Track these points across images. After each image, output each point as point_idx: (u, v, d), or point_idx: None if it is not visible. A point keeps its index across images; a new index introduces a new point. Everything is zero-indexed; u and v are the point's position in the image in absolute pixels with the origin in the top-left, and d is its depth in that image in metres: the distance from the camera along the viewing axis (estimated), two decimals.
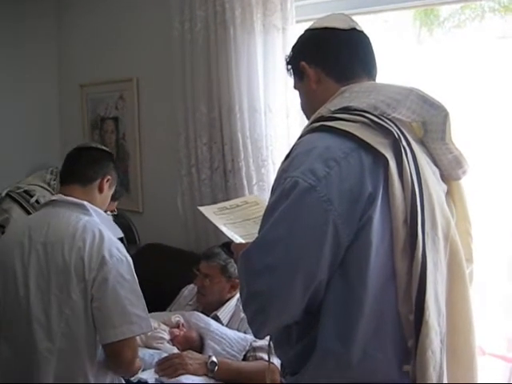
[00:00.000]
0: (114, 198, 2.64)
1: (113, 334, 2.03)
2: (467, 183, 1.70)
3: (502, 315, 2.84)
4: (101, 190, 2.30)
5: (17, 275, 2.10)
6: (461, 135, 1.64)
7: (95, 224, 2.15)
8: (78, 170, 2.28)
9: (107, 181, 2.32)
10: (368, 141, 1.41)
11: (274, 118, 3.16)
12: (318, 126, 1.48)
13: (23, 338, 2.08)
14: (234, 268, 2.83)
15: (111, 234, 2.17)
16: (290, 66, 1.73)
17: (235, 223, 1.83)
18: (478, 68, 2.81)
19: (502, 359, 2.77)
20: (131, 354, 2.11)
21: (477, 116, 2.76)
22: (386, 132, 1.44)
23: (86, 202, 2.20)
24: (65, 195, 2.22)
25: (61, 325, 2.04)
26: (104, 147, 2.45)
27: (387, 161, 1.39)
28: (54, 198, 2.25)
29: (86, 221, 2.14)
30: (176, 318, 2.86)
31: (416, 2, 2.88)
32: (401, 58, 3.05)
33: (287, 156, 1.51)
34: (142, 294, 2.12)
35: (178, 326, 2.82)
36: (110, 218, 2.53)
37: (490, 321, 2.70)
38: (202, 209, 1.94)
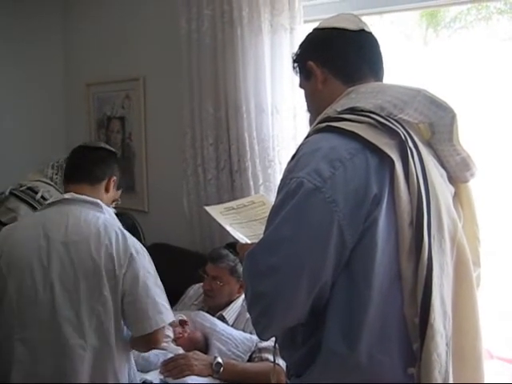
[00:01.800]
0: (117, 187, 2.68)
1: (148, 325, 2.12)
2: (475, 186, 1.68)
3: (510, 318, 2.83)
4: (107, 189, 2.34)
5: (36, 277, 2.11)
6: (468, 137, 1.63)
7: (112, 222, 2.22)
8: (87, 169, 2.31)
9: (113, 181, 2.36)
10: (374, 142, 1.40)
11: (281, 118, 3.16)
12: (324, 126, 1.48)
13: (49, 339, 2.10)
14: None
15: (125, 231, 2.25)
16: (296, 65, 1.73)
17: (241, 223, 1.82)
18: (485, 69, 2.80)
19: (509, 362, 2.76)
20: (162, 339, 2.25)
21: (484, 118, 2.75)
22: (392, 133, 1.43)
23: (99, 200, 2.24)
24: (77, 194, 2.24)
25: (92, 321, 2.09)
26: (110, 148, 2.47)
27: (393, 162, 1.38)
28: (66, 196, 2.25)
29: (103, 219, 2.19)
30: (179, 317, 2.86)
31: (423, 3, 2.87)
32: (407, 58, 3.05)
33: (293, 156, 1.50)
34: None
35: (181, 324, 2.82)
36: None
37: (497, 324, 2.69)
38: (208, 208, 1.94)
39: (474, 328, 1.52)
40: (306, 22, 3.06)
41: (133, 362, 2.32)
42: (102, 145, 2.47)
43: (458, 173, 1.61)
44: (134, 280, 2.12)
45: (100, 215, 2.20)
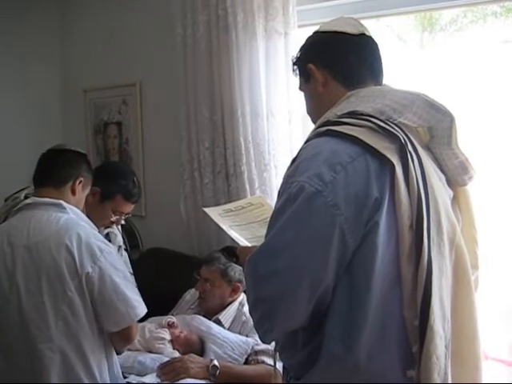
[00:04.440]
0: (132, 201, 2.76)
1: (122, 321, 2.14)
2: (474, 189, 1.69)
3: (506, 320, 2.83)
4: (73, 191, 2.31)
5: (3, 284, 2.11)
6: (466, 140, 1.64)
7: (76, 221, 2.20)
8: (51, 173, 2.29)
9: (79, 182, 2.33)
10: (374, 146, 1.41)
11: (276, 122, 3.16)
12: (325, 130, 1.48)
13: (20, 345, 2.10)
14: (234, 272, 2.85)
15: (92, 229, 2.24)
16: (296, 67, 1.73)
17: (241, 225, 1.83)
18: (481, 72, 2.80)
19: (504, 364, 2.76)
20: (136, 332, 2.26)
21: (481, 121, 2.75)
22: (392, 137, 1.44)
23: (61, 201, 2.22)
24: (39, 197, 2.24)
25: (59, 323, 2.07)
26: (78, 149, 2.44)
27: (393, 166, 1.39)
28: (28, 201, 2.25)
29: (65, 219, 2.17)
30: (168, 318, 2.87)
31: (418, 7, 2.88)
32: (404, 62, 3.05)
33: (293, 161, 1.51)
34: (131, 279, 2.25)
35: (170, 326, 2.82)
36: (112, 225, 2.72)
37: (493, 325, 2.70)
38: (207, 210, 1.94)
39: (472, 330, 1.53)
40: (300, 26, 3.06)
41: (116, 360, 2.30)
42: (68, 147, 2.43)
43: (456, 176, 1.62)
44: (100, 279, 2.09)
45: (63, 215, 2.18)
